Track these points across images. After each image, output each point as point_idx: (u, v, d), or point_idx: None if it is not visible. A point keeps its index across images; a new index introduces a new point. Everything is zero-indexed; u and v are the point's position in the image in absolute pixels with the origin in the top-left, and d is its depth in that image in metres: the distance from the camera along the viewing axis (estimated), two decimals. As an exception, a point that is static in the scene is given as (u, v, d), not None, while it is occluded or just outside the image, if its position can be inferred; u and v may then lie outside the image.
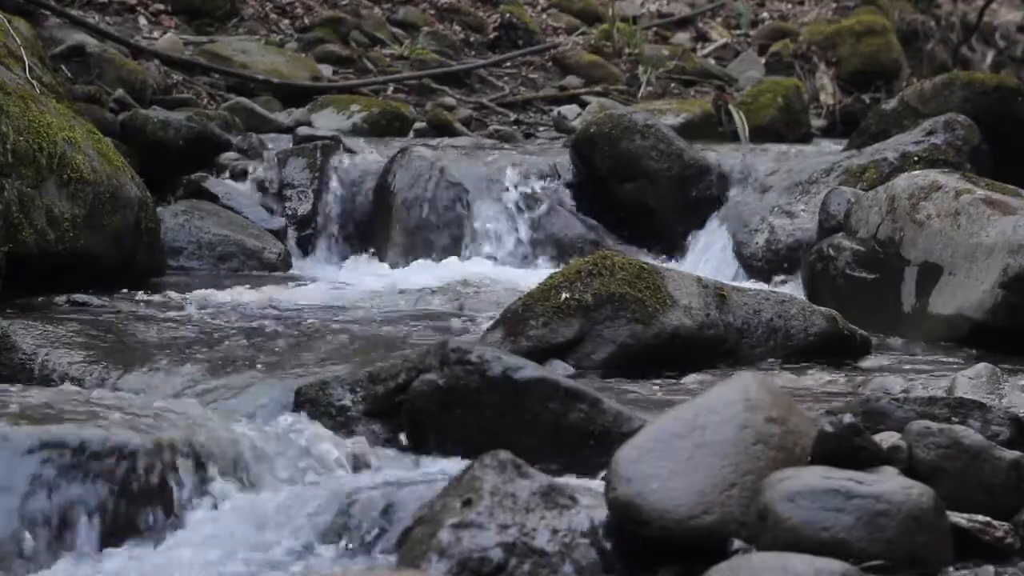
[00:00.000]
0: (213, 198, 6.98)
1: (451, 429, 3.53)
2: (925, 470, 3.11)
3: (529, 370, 3.54)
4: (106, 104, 7.66)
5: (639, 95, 9.89)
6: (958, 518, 3.02)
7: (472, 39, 10.50)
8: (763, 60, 10.75)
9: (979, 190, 5.38)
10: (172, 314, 5.39)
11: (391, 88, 9.44)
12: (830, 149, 7.76)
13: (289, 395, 3.83)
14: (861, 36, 10.65)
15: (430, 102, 9.23)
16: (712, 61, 10.85)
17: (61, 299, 5.45)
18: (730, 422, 3.03)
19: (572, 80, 10.00)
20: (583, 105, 9.44)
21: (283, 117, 8.42)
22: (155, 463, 3.23)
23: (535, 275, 5.96)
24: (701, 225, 6.98)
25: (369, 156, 7.44)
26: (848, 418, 3.07)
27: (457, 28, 10.58)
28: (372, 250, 7.07)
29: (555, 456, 3.43)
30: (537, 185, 7.20)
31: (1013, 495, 3.13)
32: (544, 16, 11.20)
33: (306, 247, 7.14)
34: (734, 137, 8.91)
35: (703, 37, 11.45)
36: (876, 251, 5.52)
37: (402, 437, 3.62)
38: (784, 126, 9.14)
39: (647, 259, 5.98)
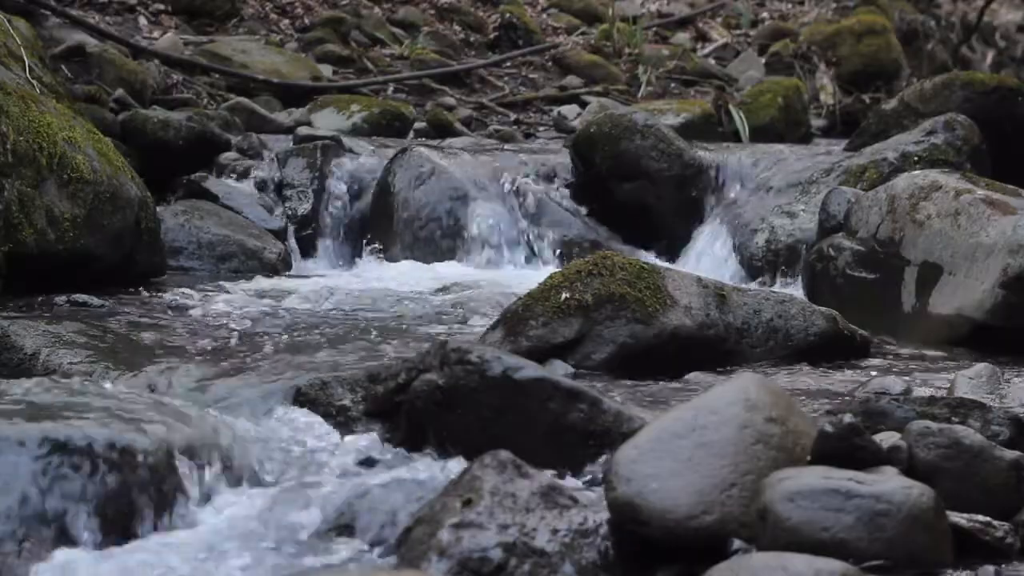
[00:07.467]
0: (213, 198, 6.97)
1: (451, 429, 3.53)
2: (925, 470, 3.11)
3: (529, 370, 3.54)
4: (106, 104, 7.65)
5: (639, 95, 9.88)
6: (958, 518, 3.02)
7: (472, 39, 10.50)
8: (763, 60, 10.75)
9: (979, 190, 5.38)
10: (172, 314, 5.39)
11: (391, 88, 9.44)
12: (830, 149, 7.75)
13: (289, 395, 3.83)
14: (861, 36, 10.65)
15: (430, 102, 9.23)
16: (712, 61, 10.85)
17: (61, 299, 5.45)
18: (730, 422, 3.03)
19: (572, 80, 10.00)
20: (583, 105, 9.43)
21: (283, 117, 8.42)
22: (155, 462, 3.23)
23: (535, 275, 5.96)
24: (701, 225, 6.98)
25: (369, 156, 7.44)
26: (848, 418, 3.07)
27: (457, 28, 10.58)
28: (372, 250, 7.07)
29: (555, 456, 3.43)
30: (537, 185, 7.20)
31: (1013, 495, 3.13)
32: (544, 16, 11.20)
33: (306, 247, 7.14)
34: (734, 137, 8.90)
35: (703, 37, 11.45)
36: (876, 251, 5.52)
37: (402, 437, 3.62)
38: (784, 126, 9.13)
39: (647, 259, 5.98)
